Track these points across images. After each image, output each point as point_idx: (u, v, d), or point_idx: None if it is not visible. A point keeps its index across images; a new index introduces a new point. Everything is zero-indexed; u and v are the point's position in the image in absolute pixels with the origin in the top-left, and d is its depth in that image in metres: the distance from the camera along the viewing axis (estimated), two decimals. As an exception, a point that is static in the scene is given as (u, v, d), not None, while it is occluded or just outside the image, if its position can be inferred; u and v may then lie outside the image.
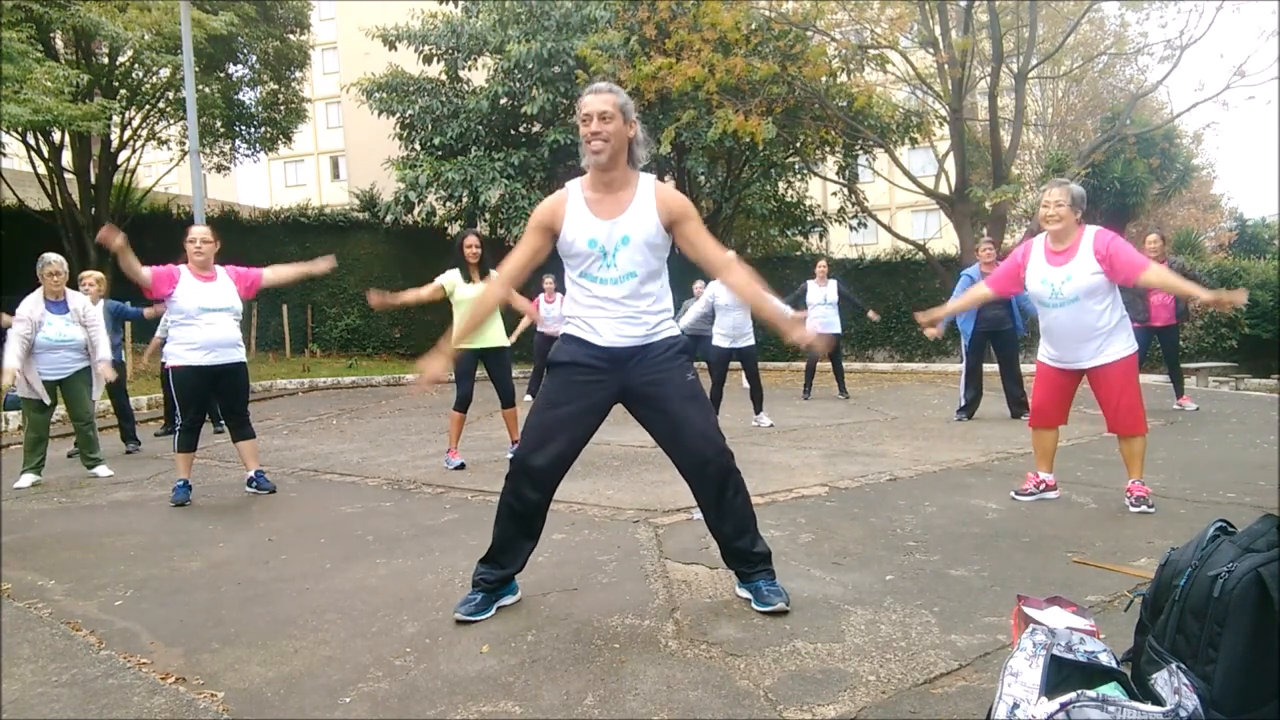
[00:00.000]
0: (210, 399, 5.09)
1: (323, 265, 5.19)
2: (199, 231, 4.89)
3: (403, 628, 2.65)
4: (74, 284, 6.16)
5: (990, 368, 7.77)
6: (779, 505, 4.21)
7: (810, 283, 9.76)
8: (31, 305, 5.59)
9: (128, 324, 7.54)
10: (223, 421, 6.77)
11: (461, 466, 5.53)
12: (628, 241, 2.55)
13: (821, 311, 9.61)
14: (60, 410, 6.17)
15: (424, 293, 5.47)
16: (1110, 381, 3.92)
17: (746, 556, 2.71)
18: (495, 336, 5.53)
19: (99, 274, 6.84)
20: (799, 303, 9.58)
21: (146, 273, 4.71)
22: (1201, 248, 20.71)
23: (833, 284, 9.69)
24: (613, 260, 2.55)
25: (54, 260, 5.67)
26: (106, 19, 12.61)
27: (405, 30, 16.66)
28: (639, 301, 2.61)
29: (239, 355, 4.95)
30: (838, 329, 9.76)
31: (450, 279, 5.52)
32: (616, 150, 2.53)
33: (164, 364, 5.16)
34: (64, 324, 5.67)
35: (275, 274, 5.15)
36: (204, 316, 4.76)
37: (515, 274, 2.69)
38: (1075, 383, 4.10)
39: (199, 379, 4.81)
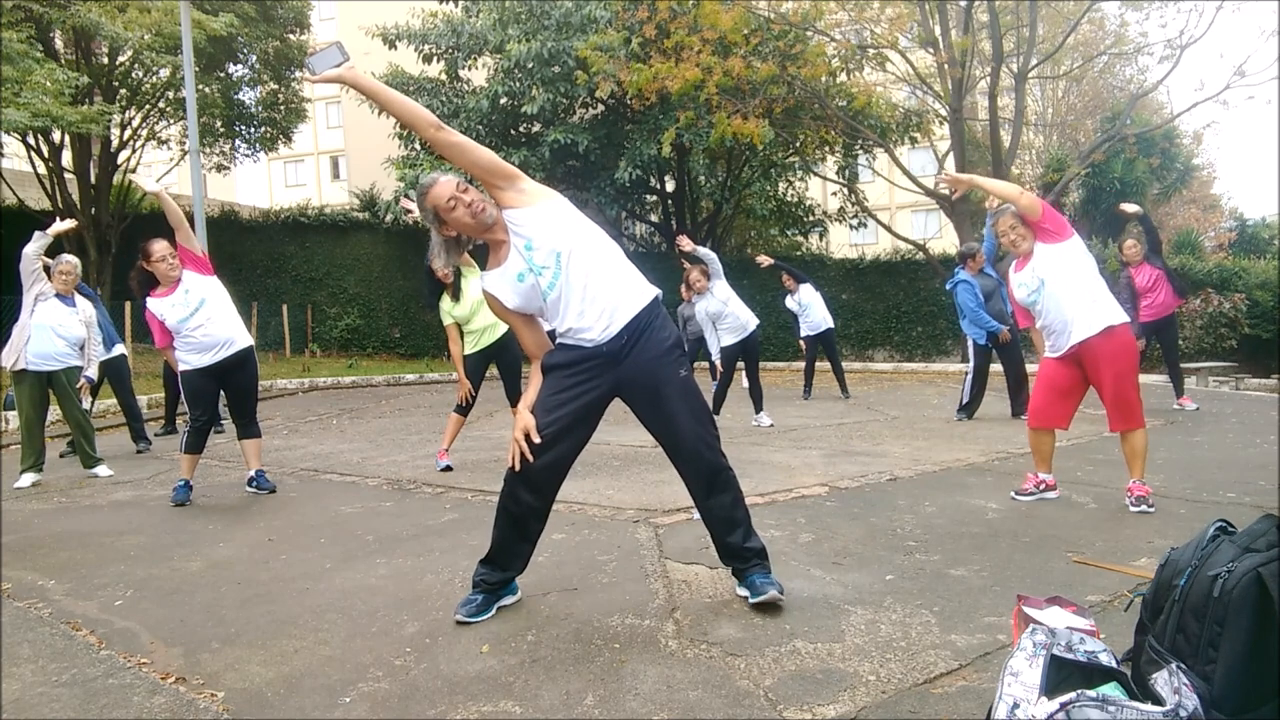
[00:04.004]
0: (218, 397, 4.98)
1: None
2: (163, 247, 4.72)
3: (403, 628, 2.65)
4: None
5: (994, 368, 7.76)
6: (779, 505, 4.21)
7: (787, 299, 9.94)
8: (45, 282, 5.66)
9: (127, 324, 7.52)
10: (223, 420, 6.75)
11: (448, 469, 5.44)
12: (530, 246, 2.62)
13: (808, 316, 9.69)
14: (56, 412, 6.16)
15: (455, 347, 5.45)
16: (1102, 355, 3.86)
17: (740, 552, 2.74)
18: (503, 330, 5.33)
19: (75, 260, 6.29)
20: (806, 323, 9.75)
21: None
22: (1201, 248, 20.69)
23: (804, 288, 9.76)
24: (538, 266, 2.61)
25: (68, 260, 5.91)
26: (106, 19, 12.61)
27: (405, 29, 16.67)
28: (586, 267, 2.62)
29: (240, 344, 4.80)
30: (825, 325, 9.75)
31: (446, 311, 5.39)
32: (491, 205, 2.64)
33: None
34: (66, 314, 5.70)
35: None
36: (185, 326, 4.67)
37: (541, 347, 2.76)
38: (1077, 379, 4.04)
39: (205, 379, 4.78)
